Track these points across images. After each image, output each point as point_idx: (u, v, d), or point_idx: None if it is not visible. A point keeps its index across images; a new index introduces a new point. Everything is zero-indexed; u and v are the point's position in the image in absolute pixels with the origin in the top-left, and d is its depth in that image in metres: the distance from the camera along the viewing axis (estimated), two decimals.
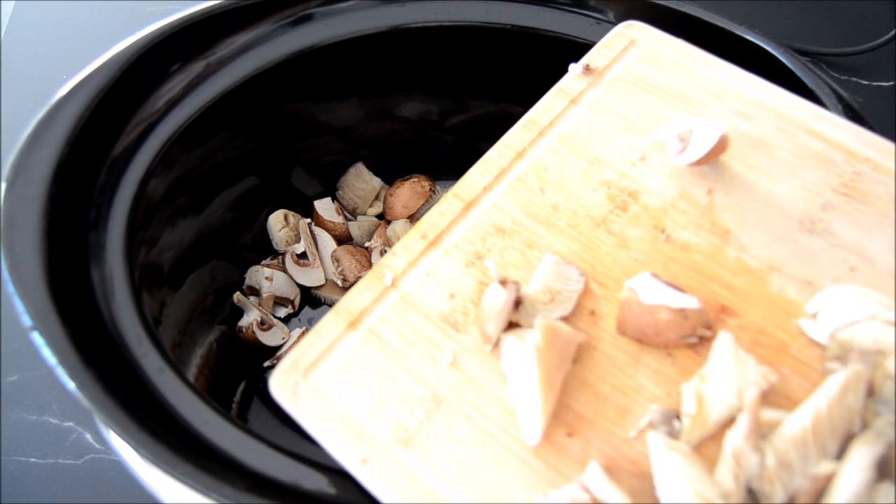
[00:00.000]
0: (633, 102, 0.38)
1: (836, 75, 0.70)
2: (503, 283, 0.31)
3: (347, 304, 0.32)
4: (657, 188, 0.35)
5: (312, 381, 0.30)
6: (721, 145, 0.34)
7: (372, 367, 0.30)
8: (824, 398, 0.26)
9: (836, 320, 0.29)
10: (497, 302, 0.30)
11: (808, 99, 0.39)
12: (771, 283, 0.32)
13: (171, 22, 0.41)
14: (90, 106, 0.38)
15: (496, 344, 0.30)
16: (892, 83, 0.70)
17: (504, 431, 0.28)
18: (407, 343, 0.31)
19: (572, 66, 0.39)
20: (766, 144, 0.36)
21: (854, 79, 0.70)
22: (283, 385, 0.30)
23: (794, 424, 0.26)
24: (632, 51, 0.40)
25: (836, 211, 0.33)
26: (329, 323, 0.31)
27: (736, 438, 0.26)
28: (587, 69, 0.39)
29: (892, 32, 0.69)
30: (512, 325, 0.31)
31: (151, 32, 0.41)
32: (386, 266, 0.33)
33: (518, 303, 0.31)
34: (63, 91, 0.38)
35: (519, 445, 0.28)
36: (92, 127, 0.37)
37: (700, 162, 0.34)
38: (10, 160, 0.35)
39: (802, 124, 0.36)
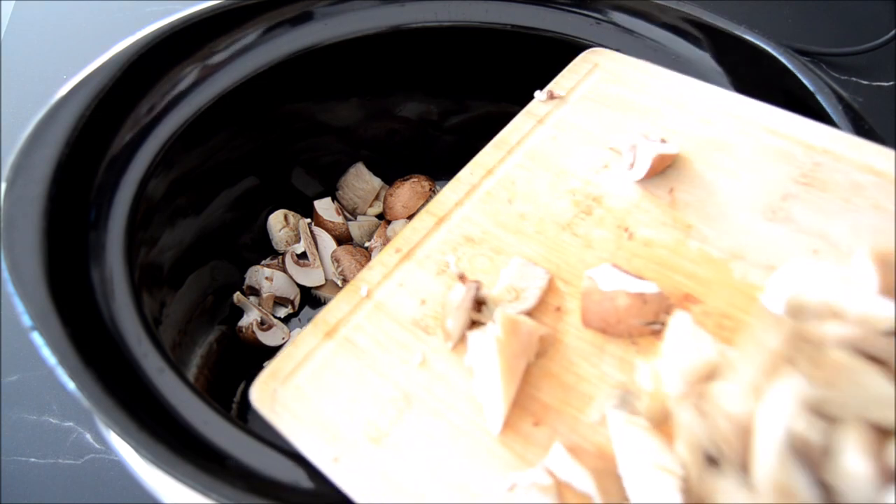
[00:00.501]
0: (598, 118, 0.40)
1: (836, 75, 0.70)
2: (462, 278, 0.32)
3: (325, 315, 0.34)
4: (620, 192, 0.37)
5: (289, 387, 0.31)
6: (662, 160, 0.35)
7: (346, 371, 0.32)
8: (756, 349, 0.27)
9: (791, 290, 0.30)
10: (456, 298, 0.31)
11: (808, 99, 0.39)
12: (734, 270, 0.33)
13: (171, 22, 0.42)
14: (90, 106, 0.38)
15: (460, 341, 0.32)
16: (892, 83, 0.70)
17: (472, 425, 0.29)
18: (380, 348, 0.32)
19: (538, 93, 0.41)
20: (727, 145, 0.37)
21: (854, 79, 0.70)
22: (261, 394, 0.31)
23: (732, 381, 0.27)
24: (595, 73, 0.42)
25: (797, 200, 0.34)
26: (307, 334, 0.33)
27: (685, 408, 0.27)
28: (551, 95, 0.41)
29: (892, 32, 0.69)
30: (476, 325, 0.32)
31: (151, 32, 0.41)
32: (362, 279, 0.35)
33: (482, 303, 0.32)
34: (63, 91, 0.38)
35: (486, 437, 0.29)
36: (92, 127, 0.37)
37: (648, 175, 0.36)
38: (10, 160, 0.35)
39: (761, 124, 0.37)
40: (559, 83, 0.42)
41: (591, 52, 0.43)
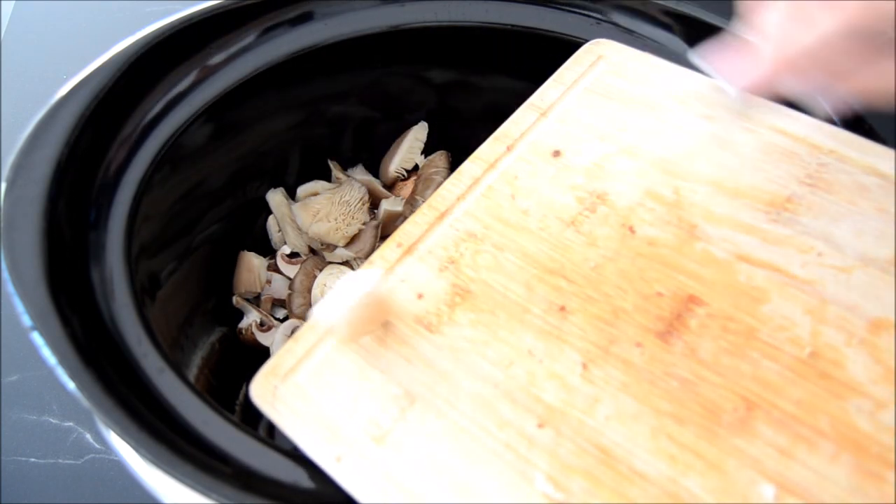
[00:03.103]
0: (601, 111, 0.39)
1: None
2: None
3: None
4: (624, 189, 0.36)
5: (290, 384, 0.31)
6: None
7: (347, 369, 0.31)
8: None
9: None
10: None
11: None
12: (739, 272, 0.32)
13: (171, 22, 0.41)
14: (90, 106, 0.38)
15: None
16: None
17: (476, 425, 0.29)
18: (381, 345, 0.32)
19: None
20: (731, 143, 0.37)
21: None
22: (262, 390, 0.31)
23: None
24: (599, 65, 0.42)
25: (801, 201, 0.34)
26: (307, 329, 0.33)
27: None
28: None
29: None
30: None
31: (151, 32, 0.41)
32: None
33: None
34: (63, 91, 0.38)
35: (490, 438, 0.29)
36: (92, 127, 0.37)
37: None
38: (10, 160, 0.35)
39: (766, 122, 0.37)
40: (563, 74, 0.41)
41: (595, 43, 0.43)
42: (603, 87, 0.40)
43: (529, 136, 0.39)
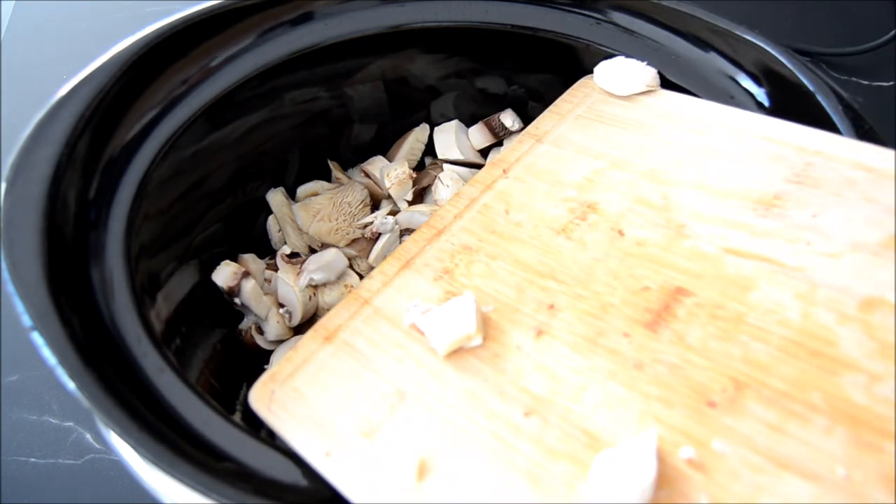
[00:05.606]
0: (593, 133, 0.41)
1: (836, 75, 0.70)
2: None
3: (325, 321, 0.35)
4: (614, 198, 0.38)
5: (287, 388, 0.32)
6: None
7: (342, 372, 0.32)
8: None
9: None
10: None
11: (808, 99, 0.39)
12: (727, 264, 0.33)
13: (172, 22, 0.42)
14: (90, 106, 0.38)
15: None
16: (892, 83, 0.70)
17: (464, 417, 0.30)
18: (376, 348, 0.33)
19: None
20: (719, 151, 0.38)
21: (854, 79, 0.70)
22: (260, 394, 0.32)
23: None
24: (592, 95, 0.44)
25: (789, 197, 0.35)
26: (307, 339, 0.34)
27: None
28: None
29: (892, 32, 0.69)
30: None
31: (151, 32, 0.41)
32: (362, 287, 0.36)
33: None
34: (63, 91, 0.38)
35: (477, 428, 0.29)
36: (92, 127, 0.37)
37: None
38: (10, 160, 0.35)
39: (754, 131, 0.38)
40: (559, 105, 0.43)
41: (589, 77, 0.45)
42: (595, 114, 0.42)
43: (525, 159, 0.41)
